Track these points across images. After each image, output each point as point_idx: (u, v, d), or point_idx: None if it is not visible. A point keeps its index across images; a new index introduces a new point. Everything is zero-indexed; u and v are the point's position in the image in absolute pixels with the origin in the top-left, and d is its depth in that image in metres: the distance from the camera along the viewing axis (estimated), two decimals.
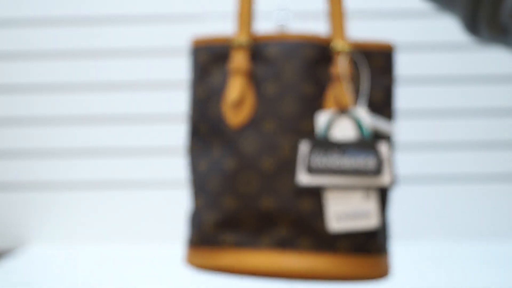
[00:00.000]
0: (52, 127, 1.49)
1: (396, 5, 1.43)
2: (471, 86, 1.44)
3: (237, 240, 0.80)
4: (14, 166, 1.50)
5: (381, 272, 0.81)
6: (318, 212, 0.79)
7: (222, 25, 1.23)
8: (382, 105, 0.82)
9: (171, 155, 1.46)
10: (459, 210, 1.46)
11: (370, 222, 0.79)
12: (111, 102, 1.48)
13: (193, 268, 0.83)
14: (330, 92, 0.80)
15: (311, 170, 0.78)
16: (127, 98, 1.48)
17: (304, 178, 0.78)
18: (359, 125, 0.80)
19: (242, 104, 0.80)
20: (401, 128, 1.02)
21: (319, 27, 0.99)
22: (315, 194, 0.79)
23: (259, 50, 0.81)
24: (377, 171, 0.78)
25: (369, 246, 0.80)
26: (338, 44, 0.81)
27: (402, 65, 1.02)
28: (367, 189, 0.79)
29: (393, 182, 0.80)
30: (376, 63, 0.82)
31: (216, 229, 0.80)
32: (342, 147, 0.78)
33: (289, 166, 0.78)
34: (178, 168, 1.30)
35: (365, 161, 0.78)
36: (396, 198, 0.95)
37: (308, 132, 0.79)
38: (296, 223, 0.78)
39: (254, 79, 0.81)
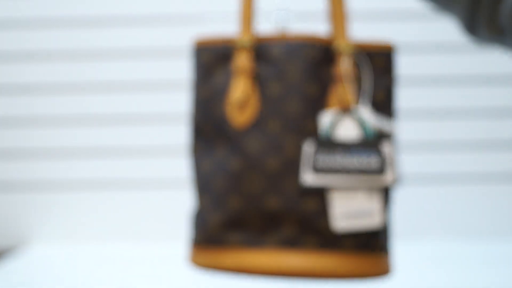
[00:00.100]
0: (52, 127, 1.49)
1: (397, 6, 1.44)
2: (471, 86, 1.45)
3: (242, 239, 0.80)
4: (14, 166, 1.50)
5: (383, 270, 0.82)
6: (322, 211, 0.79)
7: (222, 25, 1.23)
8: (382, 105, 0.82)
9: (171, 155, 1.47)
10: (459, 210, 1.46)
11: (373, 221, 0.79)
12: (111, 102, 1.49)
13: (197, 268, 0.83)
14: (333, 92, 0.81)
15: (317, 169, 0.78)
16: (127, 98, 1.48)
17: (309, 178, 0.78)
18: (362, 124, 0.80)
19: (246, 105, 0.81)
20: (402, 128, 1.02)
21: (319, 27, 0.99)
22: (319, 193, 0.79)
23: (262, 50, 0.82)
24: (380, 170, 0.79)
25: (372, 244, 0.81)
26: (341, 45, 0.81)
27: (403, 66, 1.03)
28: (370, 188, 0.80)
29: (397, 181, 0.80)
30: (377, 63, 0.82)
31: (221, 229, 0.81)
32: (346, 147, 0.79)
33: (294, 166, 0.79)
34: (178, 168, 1.30)
35: (369, 160, 0.79)
36: (396, 198, 0.95)
37: (312, 132, 0.80)
38: (300, 223, 0.79)
39: (257, 79, 0.81)
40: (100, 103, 1.49)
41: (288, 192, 0.79)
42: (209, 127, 0.83)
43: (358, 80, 0.81)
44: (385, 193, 0.81)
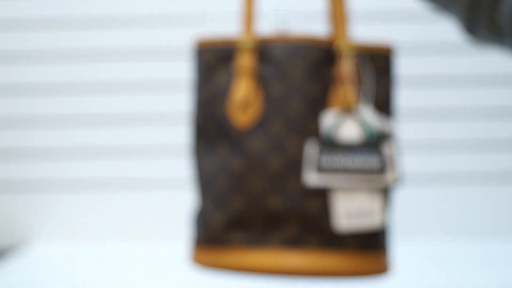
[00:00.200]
0: (52, 127, 1.49)
1: (397, 6, 1.44)
2: (471, 86, 1.45)
3: (244, 239, 0.80)
4: (14, 166, 1.50)
5: (383, 268, 0.83)
6: (325, 210, 0.80)
7: (223, 25, 1.23)
8: (382, 105, 0.83)
9: (171, 155, 1.47)
10: (459, 210, 1.46)
11: (374, 220, 0.80)
12: (111, 102, 1.49)
13: (200, 267, 0.83)
14: (335, 93, 0.81)
15: (320, 169, 0.79)
16: (127, 98, 1.48)
17: (313, 178, 0.79)
18: (363, 125, 0.80)
19: (249, 105, 0.81)
20: (402, 129, 1.03)
21: (319, 28, 0.99)
22: (321, 193, 0.80)
23: (264, 51, 0.82)
24: (381, 170, 0.79)
25: (373, 243, 0.81)
26: (341, 45, 0.81)
27: (403, 66, 1.03)
28: (371, 188, 0.80)
29: (398, 181, 0.81)
30: (376, 64, 0.83)
31: (223, 229, 0.81)
32: (349, 147, 0.79)
33: (296, 166, 0.79)
34: (178, 168, 1.30)
35: (370, 160, 0.79)
36: (396, 198, 0.95)
37: (314, 132, 0.80)
38: (302, 222, 0.79)
39: (259, 80, 0.81)
40: (100, 103, 1.49)
41: (290, 192, 0.79)
42: (211, 127, 0.83)
43: (359, 80, 0.82)
44: (386, 193, 0.82)
